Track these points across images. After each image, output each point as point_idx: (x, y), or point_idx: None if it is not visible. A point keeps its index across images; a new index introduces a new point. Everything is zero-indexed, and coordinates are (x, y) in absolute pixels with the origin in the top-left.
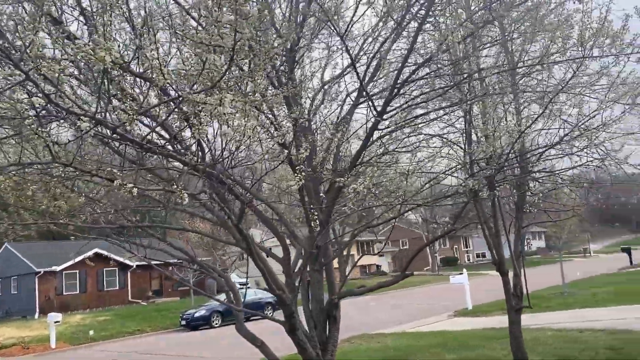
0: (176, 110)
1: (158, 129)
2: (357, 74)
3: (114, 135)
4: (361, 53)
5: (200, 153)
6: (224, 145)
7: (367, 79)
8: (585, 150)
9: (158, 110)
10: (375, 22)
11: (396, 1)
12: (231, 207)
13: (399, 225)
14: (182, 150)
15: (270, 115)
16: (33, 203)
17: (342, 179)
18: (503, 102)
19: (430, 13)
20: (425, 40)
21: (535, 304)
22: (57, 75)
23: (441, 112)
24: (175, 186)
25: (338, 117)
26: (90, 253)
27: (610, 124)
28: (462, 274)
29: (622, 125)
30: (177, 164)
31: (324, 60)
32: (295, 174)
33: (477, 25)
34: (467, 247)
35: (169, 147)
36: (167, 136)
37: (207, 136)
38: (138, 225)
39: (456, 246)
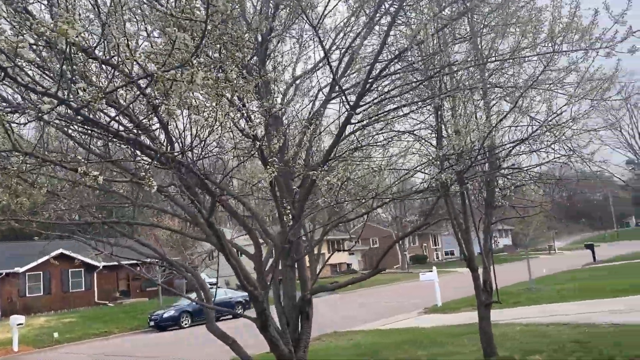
0: (144, 94)
1: (124, 119)
2: (330, 66)
3: (78, 117)
4: (334, 47)
5: (168, 142)
6: (194, 133)
7: (339, 73)
8: (552, 146)
9: (125, 94)
10: (348, 16)
11: None
12: (201, 201)
13: (369, 224)
14: (150, 140)
15: (240, 106)
16: None
17: (315, 172)
18: (473, 98)
19: (402, 8)
20: (398, 36)
21: (504, 299)
22: (15, 45)
23: (413, 107)
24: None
25: (310, 112)
26: (54, 253)
27: (578, 119)
28: (431, 271)
29: (589, 122)
30: (146, 158)
31: (295, 54)
32: (267, 167)
33: (450, 17)
34: (436, 245)
35: (136, 135)
36: (134, 126)
37: (175, 124)
38: (104, 222)
39: (425, 244)
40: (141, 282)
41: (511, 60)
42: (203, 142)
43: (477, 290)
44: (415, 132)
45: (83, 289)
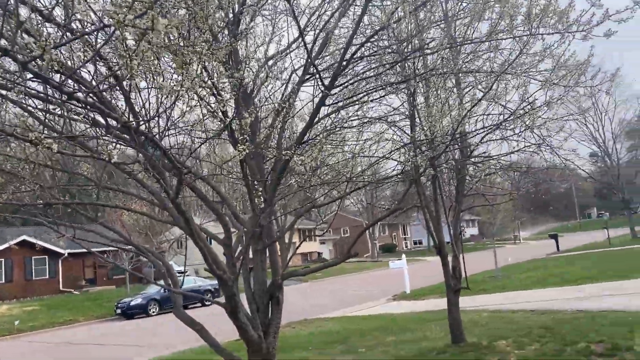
0: (100, 56)
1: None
2: (305, 44)
3: (24, 71)
4: (308, 28)
5: (130, 111)
6: (158, 102)
7: (314, 53)
8: (522, 134)
9: (82, 56)
10: None
11: None
12: (167, 181)
13: (340, 214)
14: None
15: (207, 78)
16: None
17: (289, 152)
18: (446, 83)
19: None
20: (373, 18)
21: (471, 287)
22: None
23: (388, 89)
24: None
25: (282, 95)
26: (17, 240)
27: (552, 105)
28: (401, 259)
29: (560, 110)
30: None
31: (268, 34)
32: (239, 145)
33: None
34: (405, 235)
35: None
36: (90, 90)
37: (138, 91)
38: (65, 203)
39: (395, 234)
40: (108, 270)
41: (487, 44)
42: (168, 112)
43: (447, 276)
44: (389, 119)
45: (47, 277)
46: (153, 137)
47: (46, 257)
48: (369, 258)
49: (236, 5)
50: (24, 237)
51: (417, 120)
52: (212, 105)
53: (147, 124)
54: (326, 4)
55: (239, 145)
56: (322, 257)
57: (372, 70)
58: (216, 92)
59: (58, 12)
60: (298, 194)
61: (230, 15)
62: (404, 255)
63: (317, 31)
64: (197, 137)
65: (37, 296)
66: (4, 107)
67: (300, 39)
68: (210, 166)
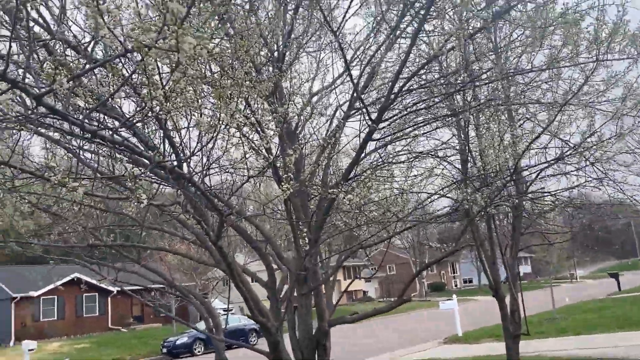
0: (130, 84)
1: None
2: (351, 76)
3: (37, 105)
4: (354, 62)
5: (165, 149)
6: (196, 139)
7: (360, 87)
8: (584, 169)
9: (109, 86)
10: (372, 25)
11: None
12: (209, 221)
13: (384, 250)
14: (145, 147)
15: (249, 112)
16: None
17: (335, 190)
18: (499, 116)
19: (429, 15)
20: (418, 52)
21: (529, 330)
22: None
23: (439, 122)
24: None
25: (327, 130)
26: (69, 278)
27: (621, 138)
28: (451, 299)
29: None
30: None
31: (312, 69)
32: (283, 183)
33: (486, 21)
34: (454, 273)
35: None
36: (120, 124)
37: (176, 126)
38: (109, 245)
39: (443, 272)
40: (155, 306)
41: (546, 73)
42: (207, 150)
43: (504, 320)
44: (438, 154)
45: (97, 314)
46: (190, 178)
47: (96, 294)
48: (417, 297)
49: (280, 40)
50: (76, 274)
51: (469, 155)
52: (256, 142)
53: (185, 163)
54: (371, 38)
55: (283, 183)
56: (368, 296)
57: (420, 103)
58: (259, 128)
59: (76, 38)
60: (339, 231)
61: (274, 48)
62: (454, 295)
63: (363, 65)
64: (239, 175)
65: (87, 333)
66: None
67: (345, 74)
68: (253, 204)
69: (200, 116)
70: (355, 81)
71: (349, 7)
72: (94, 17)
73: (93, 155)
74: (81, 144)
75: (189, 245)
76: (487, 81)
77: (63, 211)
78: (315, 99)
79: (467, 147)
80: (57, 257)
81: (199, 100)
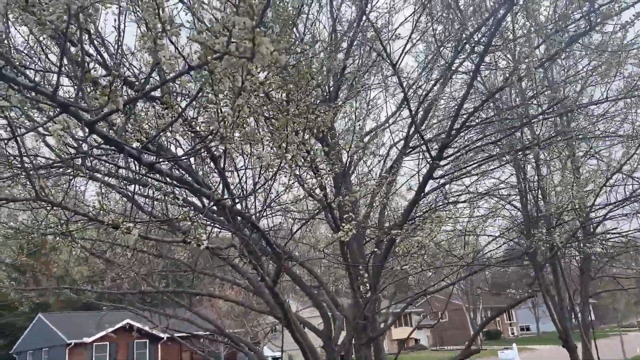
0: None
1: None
2: (411, 111)
3: (90, 130)
4: (411, 94)
5: (224, 184)
6: (260, 176)
7: (417, 120)
8: None
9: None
10: (425, 61)
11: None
12: (264, 266)
13: (437, 296)
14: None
15: (305, 153)
16: (49, 268)
17: (399, 231)
18: (569, 151)
19: (492, 46)
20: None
21: None
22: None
23: (496, 161)
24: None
25: (381, 170)
26: (121, 324)
27: None
28: (511, 348)
29: None
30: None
31: (364, 107)
32: (342, 225)
33: (560, 47)
34: (510, 320)
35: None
36: (178, 157)
37: (234, 166)
38: (161, 292)
39: (499, 318)
40: (204, 354)
41: (623, 102)
42: (266, 186)
43: None
44: (497, 193)
45: None
46: (250, 218)
47: (147, 340)
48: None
49: (331, 81)
50: (127, 320)
51: (531, 194)
52: (311, 182)
53: (243, 202)
54: (424, 75)
55: (343, 224)
56: (420, 344)
57: (484, 138)
58: (315, 168)
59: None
60: (397, 277)
61: (328, 85)
62: (514, 345)
63: (418, 102)
64: (292, 217)
65: None
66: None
67: (399, 111)
68: (304, 247)
69: (263, 149)
70: (413, 116)
71: (409, 40)
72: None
73: (146, 199)
74: (136, 189)
75: (240, 290)
76: (559, 112)
77: (116, 257)
78: (366, 138)
79: (527, 186)
80: (110, 305)
81: (260, 132)
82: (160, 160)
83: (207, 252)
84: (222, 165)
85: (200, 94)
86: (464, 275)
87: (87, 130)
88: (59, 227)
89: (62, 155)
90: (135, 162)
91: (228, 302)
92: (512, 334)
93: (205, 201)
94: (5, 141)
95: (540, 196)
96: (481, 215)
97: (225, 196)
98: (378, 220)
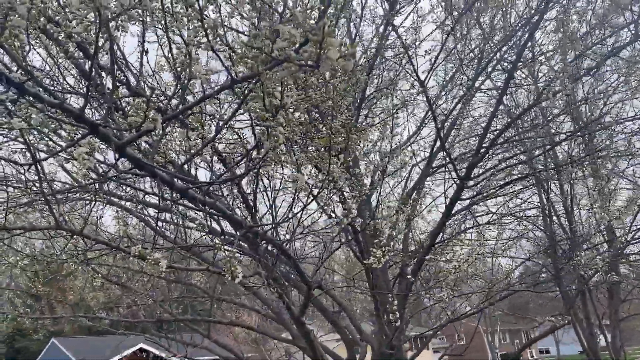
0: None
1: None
2: (436, 124)
3: (120, 153)
4: (429, 117)
5: (250, 212)
6: (292, 203)
7: (443, 136)
8: None
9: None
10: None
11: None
12: (290, 294)
13: (448, 316)
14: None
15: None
16: (64, 295)
17: (433, 256)
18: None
19: (521, 61)
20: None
21: None
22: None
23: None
24: (223, 261)
25: (403, 191)
26: (134, 349)
27: None
28: None
29: None
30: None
31: (386, 127)
32: (373, 250)
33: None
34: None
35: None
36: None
37: (265, 194)
38: (180, 320)
39: (517, 341)
40: None
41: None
42: (298, 215)
43: None
44: (522, 214)
45: None
46: (281, 245)
47: None
48: None
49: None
50: (141, 344)
51: (555, 216)
52: (336, 207)
53: (274, 230)
54: (446, 93)
55: (372, 250)
56: None
57: (511, 159)
58: (341, 193)
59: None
60: (423, 303)
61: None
62: None
63: (443, 120)
64: (322, 243)
65: None
66: (97, 209)
67: (418, 131)
68: (321, 271)
69: (299, 171)
70: (439, 131)
71: (438, 56)
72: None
73: (164, 224)
74: (158, 215)
75: (258, 316)
76: (601, 127)
77: (132, 282)
78: (386, 159)
79: (551, 207)
80: (125, 332)
81: (293, 154)
82: (194, 186)
83: (225, 278)
84: (251, 189)
85: (237, 112)
86: (494, 300)
87: (116, 153)
88: (78, 255)
89: (81, 180)
90: (167, 188)
91: (245, 329)
92: (532, 356)
93: (224, 225)
94: (26, 167)
95: (565, 218)
96: (508, 238)
97: (255, 222)
98: (403, 243)
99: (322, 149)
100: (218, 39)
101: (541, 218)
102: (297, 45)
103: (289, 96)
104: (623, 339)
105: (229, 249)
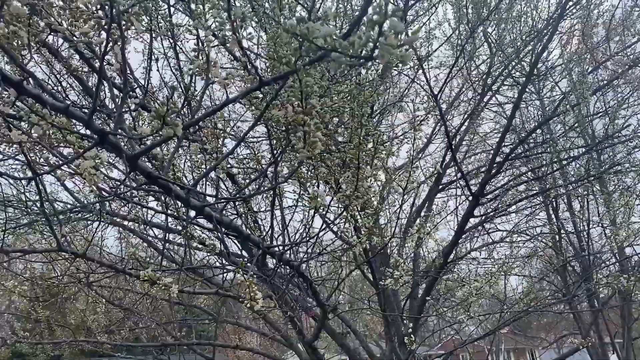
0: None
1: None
2: (448, 135)
3: (132, 166)
4: (439, 128)
5: (266, 231)
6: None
7: (454, 149)
8: None
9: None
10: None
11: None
12: (301, 318)
13: (458, 337)
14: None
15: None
16: (65, 318)
17: (447, 277)
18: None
19: (534, 72)
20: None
21: None
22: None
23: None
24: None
25: (412, 207)
26: None
27: None
28: None
29: None
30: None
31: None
32: (390, 270)
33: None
34: None
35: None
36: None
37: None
38: (183, 344)
39: (521, 359)
40: None
41: None
42: (313, 237)
43: None
44: (532, 232)
45: None
46: (298, 267)
47: None
48: None
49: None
50: None
51: (566, 234)
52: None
53: (291, 250)
54: (453, 109)
55: (389, 270)
56: None
57: (523, 175)
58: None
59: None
60: (436, 325)
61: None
62: None
63: (452, 135)
64: (339, 264)
65: None
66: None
67: (425, 148)
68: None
69: (305, 189)
70: (451, 144)
71: (450, 71)
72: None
73: (169, 245)
74: (167, 237)
75: (261, 338)
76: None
77: (135, 305)
78: (394, 175)
79: (560, 225)
80: (127, 357)
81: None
82: (211, 203)
83: (230, 300)
84: (260, 206)
85: (259, 121)
86: (509, 322)
87: (127, 166)
88: (81, 280)
89: (84, 200)
90: (182, 205)
91: (249, 352)
92: None
93: (230, 245)
94: (26, 183)
95: (575, 235)
96: (520, 256)
97: (271, 243)
98: (413, 262)
99: (339, 165)
100: (245, 34)
101: (551, 236)
102: (344, 32)
103: (323, 100)
104: (636, 358)
105: (247, 271)
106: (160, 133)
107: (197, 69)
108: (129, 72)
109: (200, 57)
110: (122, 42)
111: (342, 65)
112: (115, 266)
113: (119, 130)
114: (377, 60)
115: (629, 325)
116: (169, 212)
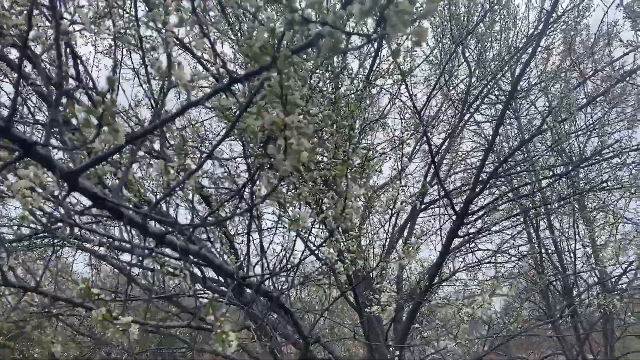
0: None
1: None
2: (432, 156)
3: (71, 186)
4: (419, 146)
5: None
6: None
7: (436, 169)
8: None
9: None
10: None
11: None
12: (282, 350)
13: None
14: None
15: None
16: (30, 350)
17: (430, 299)
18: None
19: (517, 91)
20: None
21: None
22: None
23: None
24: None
25: (394, 228)
26: None
27: None
28: None
29: None
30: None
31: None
32: (376, 296)
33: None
34: None
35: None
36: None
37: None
38: None
39: None
40: None
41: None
42: (294, 268)
43: None
44: (513, 251)
45: None
46: (278, 298)
47: None
48: None
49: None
50: None
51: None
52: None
53: (270, 280)
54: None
55: (375, 296)
56: None
57: (505, 196)
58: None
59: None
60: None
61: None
62: None
63: (434, 154)
64: (323, 291)
65: None
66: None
67: (406, 167)
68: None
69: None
70: (433, 161)
71: (434, 88)
72: None
73: (142, 270)
74: (132, 260)
75: None
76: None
77: (106, 333)
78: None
79: (540, 244)
80: None
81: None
82: (173, 230)
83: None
84: (236, 229)
85: (230, 132)
86: (495, 346)
87: (65, 186)
88: (44, 312)
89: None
90: (137, 232)
91: None
92: None
93: (205, 269)
94: None
95: (555, 255)
96: (504, 277)
97: (247, 272)
98: (396, 285)
99: (322, 184)
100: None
101: (533, 256)
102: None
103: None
104: None
105: (217, 308)
106: (103, 143)
107: (158, 71)
108: (71, 66)
109: (160, 58)
110: (57, 28)
111: (336, 48)
112: (72, 300)
113: (52, 141)
114: (384, 40)
115: (611, 344)
116: (121, 243)
